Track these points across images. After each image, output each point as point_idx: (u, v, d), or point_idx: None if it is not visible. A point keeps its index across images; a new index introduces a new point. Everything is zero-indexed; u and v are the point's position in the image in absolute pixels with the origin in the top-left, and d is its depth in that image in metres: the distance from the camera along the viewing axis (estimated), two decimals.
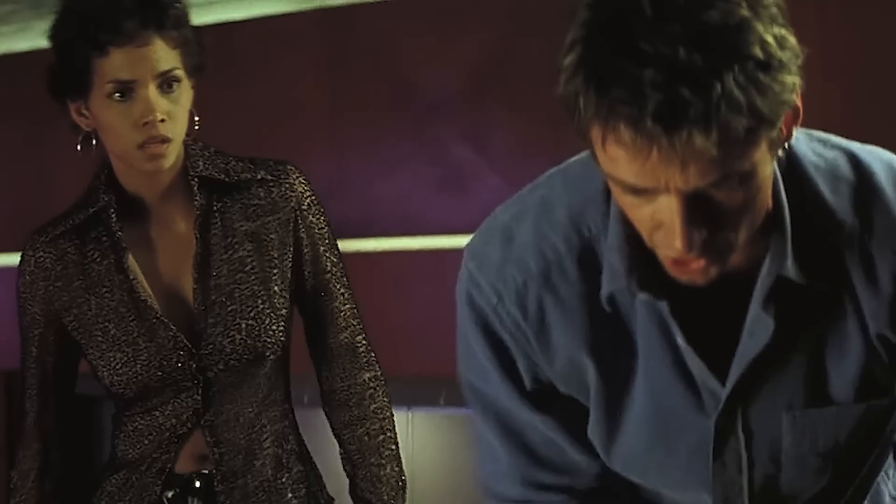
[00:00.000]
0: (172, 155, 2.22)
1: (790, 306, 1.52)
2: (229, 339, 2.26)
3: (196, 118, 2.27)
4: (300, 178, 2.33)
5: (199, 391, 2.27)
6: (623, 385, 1.60)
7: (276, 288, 2.29)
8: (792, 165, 1.53)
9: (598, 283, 1.56)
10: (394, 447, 2.39)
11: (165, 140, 2.18)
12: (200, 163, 2.29)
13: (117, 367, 2.26)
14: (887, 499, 1.74)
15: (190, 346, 2.26)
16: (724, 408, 1.57)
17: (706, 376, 1.56)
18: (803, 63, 1.38)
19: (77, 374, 2.38)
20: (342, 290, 2.37)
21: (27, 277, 2.32)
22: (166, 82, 2.18)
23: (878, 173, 1.54)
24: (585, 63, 1.34)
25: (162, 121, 2.17)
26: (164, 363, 2.26)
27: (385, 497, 2.36)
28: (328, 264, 2.35)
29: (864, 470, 1.64)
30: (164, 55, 2.18)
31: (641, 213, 1.42)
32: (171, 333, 2.26)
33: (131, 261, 2.28)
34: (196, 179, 2.28)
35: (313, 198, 2.34)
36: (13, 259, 2.46)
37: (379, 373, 2.40)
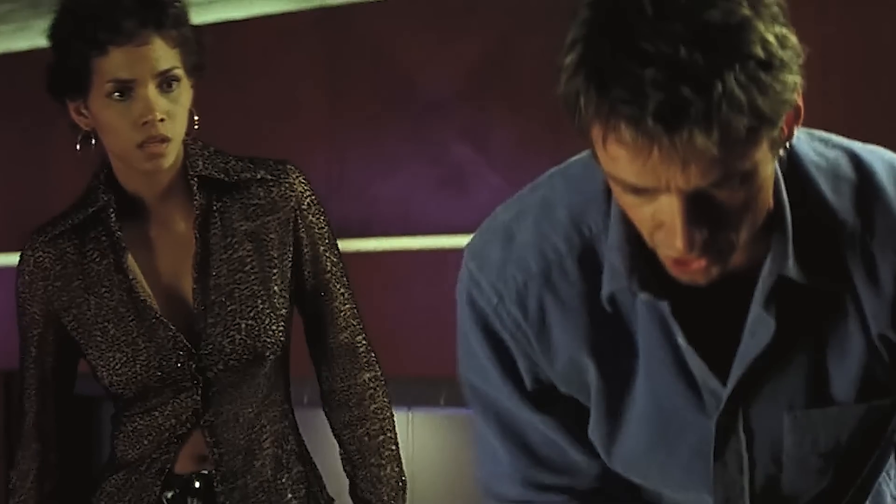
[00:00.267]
0: (172, 154, 2.21)
1: (791, 306, 1.52)
2: (229, 339, 2.25)
3: (195, 117, 2.26)
4: (300, 178, 2.33)
5: (199, 391, 2.27)
6: (624, 385, 1.60)
7: (275, 288, 2.29)
8: (793, 165, 1.52)
9: (598, 282, 1.56)
10: (394, 447, 2.38)
11: (165, 139, 2.18)
12: (200, 162, 2.29)
13: (117, 367, 2.26)
14: (889, 499, 1.74)
15: (189, 346, 2.26)
16: (725, 408, 1.57)
17: (707, 376, 1.56)
18: (804, 62, 1.38)
19: (76, 375, 2.38)
20: (342, 290, 2.37)
21: (26, 277, 2.32)
22: (166, 81, 2.18)
23: (880, 173, 1.54)
24: (586, 62, 1.34)
25: (161, 120, 2.17)
26: (164, 363, 2.26)
27: (385, 497, 2.36)
28: (328, 264, 2.35)
29: (865, 470, 1.64)
30: (164, 54, 2.18)
31: (642, 213, 1.41)
32: (171, 333, 2.26)
33: (131, 261, 2.28)
34: (196, 179, 2.27)
35: (313, 197, 2.33)
36: (12, 259, 2.45)
37: (379, 373, 2.40)
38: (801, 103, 1.40)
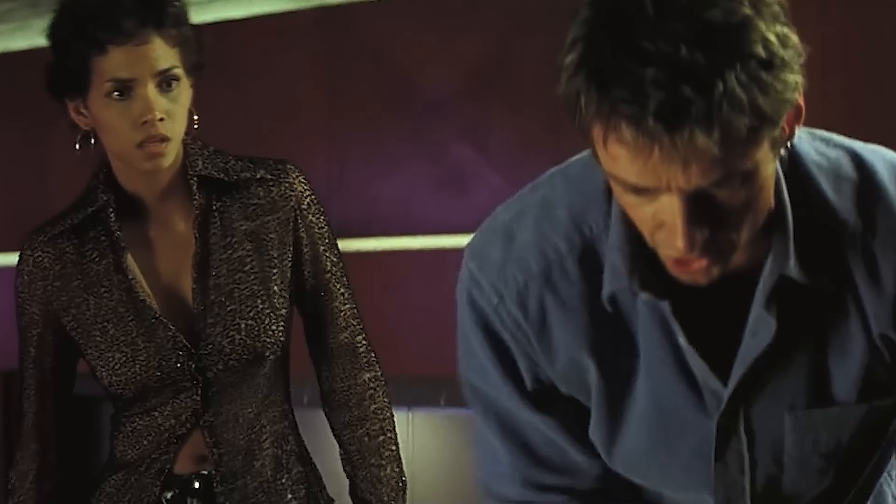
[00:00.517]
0: (171, 154, 2.21)
1: (792, 306, 1.52)
2: (228, 339, 2.25)
3: (195, 117, 2.26)
4: (300, 178, 2.32)
5: (199, 391, 2.27)
6: (624, 385, 1.60)
7: (275, 288, 2.29)
8: (794, 164, 1.52)
9: (599, 282, 1.56)
10: (394, 448, 2.38)
11: (164, 139, 2.18)
12: (200, 162, 2.28)
13: (116, 367, 2.26)
14: (890, 499, 1.73)
15: (189, 346, 2.25)
16: (725, 408, 1.57)
17: (708, 376, 1.56)
18: (805, 62, 1.38)
19: (75, 375, 2.38)
20: (342, 290, 2.36)
21: (25, 277, 2.32)
22: (165, 81, 2.18)
23: (881, 172, 1.54)
24: (587, 62, 1.34)
25: (161, 120, 2.16)
26: (163, 363, 2.25)
27: (385, 498, 2.36)
28: (328, 264, 2.35)
29: (866, 471, 1.64)
30: (163, 54, 2.17)
31: (643, 213, 1.41)
32: (170, 333, 2.25)
33: (130, 260, 2.28)
34: (195, 179, 2.27)
35: (313, 197, 2.33)
36: (11, 259, 2.45)
37: (379, 373, 2.39)
38: (802, 103, 1.40)
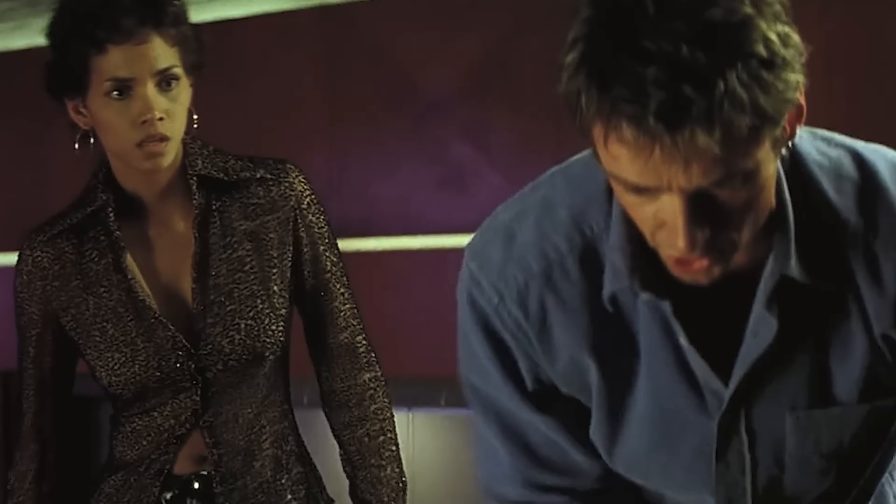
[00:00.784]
0: (171, 153, 2.21)
1: (794, 306, 1.51)
2: (228, 339, 2.25)
3: (195, 116, 2.26)
4: (300, 177, 2.32)
5: (198, 392, 2.27)
6: (625, 385, 1.60)
7: (275, 288, 2.28)
8: (795, 164, 1.52)
9: (600, 282, 1.55)
10: (394, 448, 2.38)
11: (164, 138, 2.17)
12: (199, 161, 2.28)
13: (115, 367, 2.25)
14: (891, 500, 1.73)
15: (188, 346, 2.25)
16: (727, 408, 1.57)
17: (709, 377, 1.55)
18: (807, 61, 1.37)
19: (75, 375, 2.38)
20: (342, 290, 2.36)
21: (24, 277, 2.31)
22: (165, 80, 2.17)
23: (883, 172, 1.54)
24: (587, 61, 1.34)
25: (160, 119, 2.16)
26: (163, 363, 2.25)
27: (385, 498, 2.35)
28: (328, 264, 2.34)
29: (868, 471, 1.64)
30: (163, 53, 2.17)
31: (644, 213, 1.41)
32: (170, 333, 2.25)
33: (129, 260, 2.27)
34: (195, 178, 2.27)
35: (313, 197, 2.33)
36: (10, 259, 2.45)
37: (379, 373, 2.39)
38: (803, 102, 1.40)
